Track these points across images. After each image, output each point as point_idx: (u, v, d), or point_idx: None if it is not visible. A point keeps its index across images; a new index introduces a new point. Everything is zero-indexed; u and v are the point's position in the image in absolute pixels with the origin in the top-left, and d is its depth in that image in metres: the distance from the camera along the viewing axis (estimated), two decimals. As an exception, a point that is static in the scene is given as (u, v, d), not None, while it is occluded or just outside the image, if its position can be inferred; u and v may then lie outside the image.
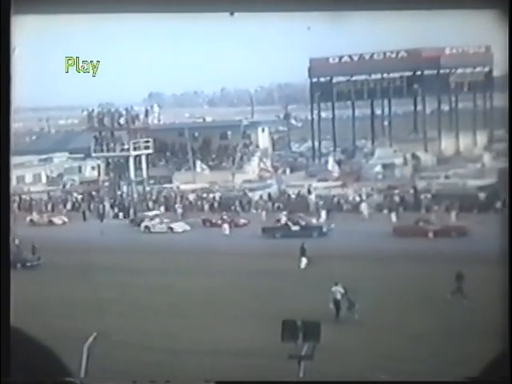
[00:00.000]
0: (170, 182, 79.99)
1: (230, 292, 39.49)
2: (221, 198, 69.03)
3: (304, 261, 45.22)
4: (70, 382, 4.79)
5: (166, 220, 61.73)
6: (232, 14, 5.17)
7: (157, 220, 61.95)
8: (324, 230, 55.08)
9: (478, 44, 79.23)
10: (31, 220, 67.03)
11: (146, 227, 60.96)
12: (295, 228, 55.54)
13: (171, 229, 60.00)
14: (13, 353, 4.47)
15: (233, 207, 65.92)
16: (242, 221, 61.30)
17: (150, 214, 64.96)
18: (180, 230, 59.64)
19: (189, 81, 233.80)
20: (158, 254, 51.17)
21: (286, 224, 56.53)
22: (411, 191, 63.87)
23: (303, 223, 56.25)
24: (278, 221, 57.62)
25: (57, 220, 66.66)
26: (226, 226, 58.23)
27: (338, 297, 33.81)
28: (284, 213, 60.00)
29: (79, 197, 74.74)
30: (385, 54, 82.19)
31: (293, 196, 67.09)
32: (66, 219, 66.88)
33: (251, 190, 71.24)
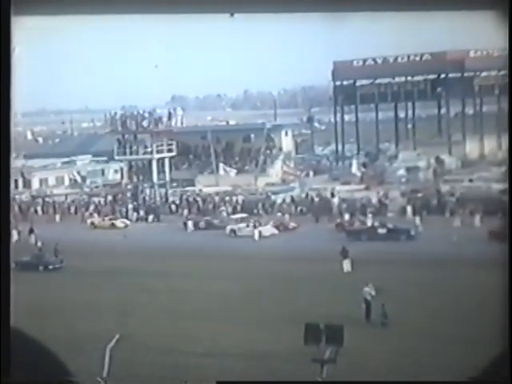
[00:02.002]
0: (193, 185, 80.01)
1: (271, 296, 38.17)
2: (243, 201, 68.88)
3: (348, 263, 43.16)
4: (70, 381, 4.78)
5: (252, 224, 58.56)
6: (231, 15, 5.12)
7: (243, 224, 58.95)
8: (412, 233, 52.16)
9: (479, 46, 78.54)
10: (92, 223, 66.19)
11: (232, 230, 58.38)
12: (382, 231, 52.41)
13: (259, 233, 57.03)
14: (13, 353, 4.47)
15: (255, 210, 65.57)
16: (292, 224, 59.38)
17: (235, 216, 62.22)
18: (267, 234, 56.78)
19: (212, 83, 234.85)
20: (198, 257, 49.56)
21: (373, 226, 54.01)
22: (435, 195, 63.54)
23: (390, 226, 53.04)
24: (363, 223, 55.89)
25: (119, 223, 65.54)
26: (256, 231, 56.42)
27: (368, 298, 33.45)
28: (370, 215, 57.96)
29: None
30: (409, 56, 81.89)
31: (316, 199, 66.88)
32: (128, 222, 65.87)
33: (274, 193, 70.96)
